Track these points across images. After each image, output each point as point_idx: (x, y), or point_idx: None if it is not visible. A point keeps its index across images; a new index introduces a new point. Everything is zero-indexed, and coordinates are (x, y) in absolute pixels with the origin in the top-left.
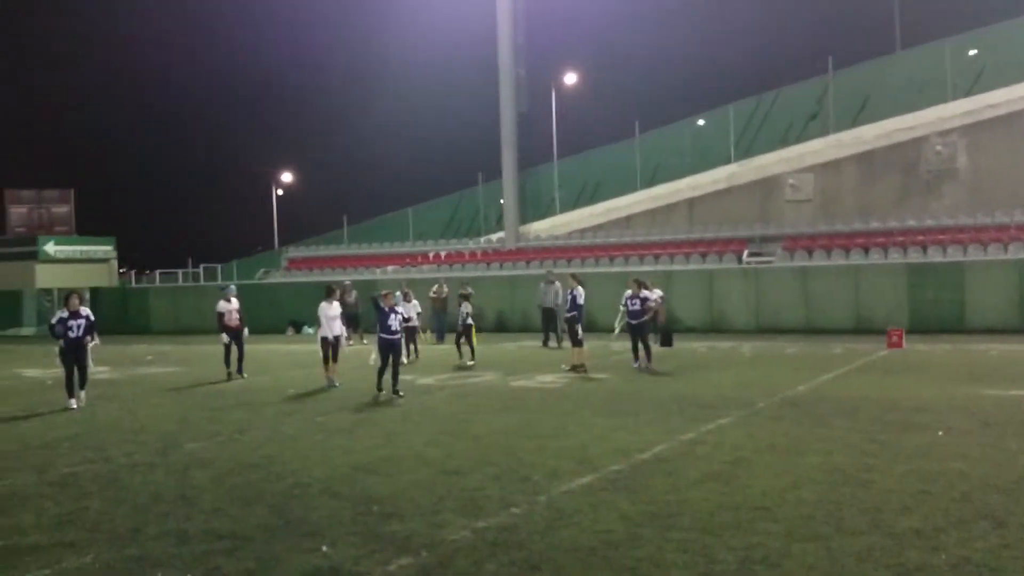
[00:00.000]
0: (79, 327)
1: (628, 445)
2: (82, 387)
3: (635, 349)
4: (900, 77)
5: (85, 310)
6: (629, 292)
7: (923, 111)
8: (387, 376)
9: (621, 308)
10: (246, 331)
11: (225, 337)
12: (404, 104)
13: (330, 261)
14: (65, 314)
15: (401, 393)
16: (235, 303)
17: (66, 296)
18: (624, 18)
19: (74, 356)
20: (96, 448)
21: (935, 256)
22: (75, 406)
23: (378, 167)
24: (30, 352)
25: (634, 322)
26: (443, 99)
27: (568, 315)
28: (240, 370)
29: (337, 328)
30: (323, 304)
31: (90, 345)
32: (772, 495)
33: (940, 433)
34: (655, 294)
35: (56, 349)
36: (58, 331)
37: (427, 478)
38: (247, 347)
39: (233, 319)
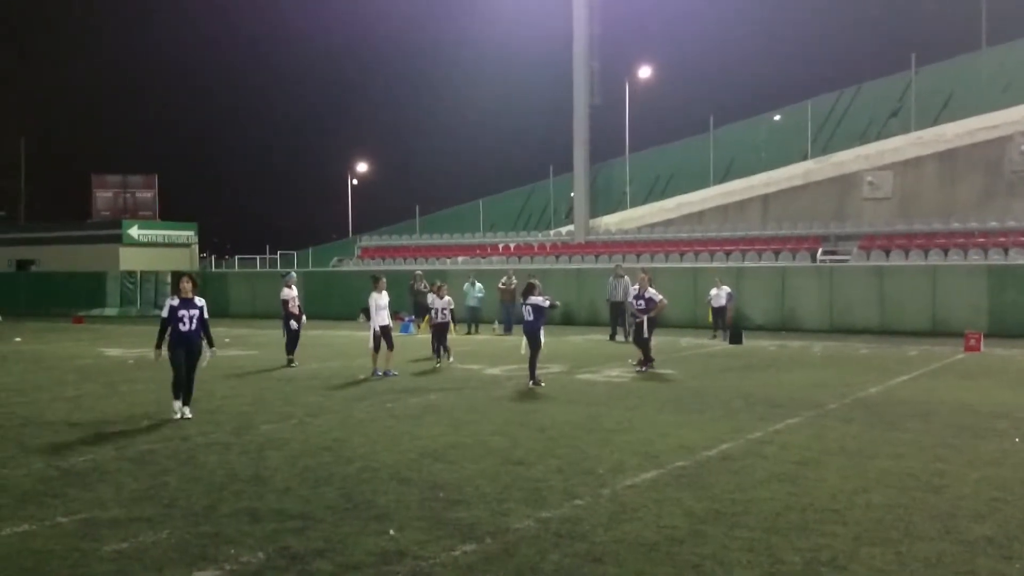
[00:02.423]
0: (192, 319)
1: (694, 442)
2: (187, 400)
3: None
4: (985, 74)
5: (200, 300)
6: (635, 289)
7: (1008, 109)
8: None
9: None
10: (303, 319)
11: (294, 324)
12: (478, 96)
13: (402, 251)
14: (175, 302)
15: (533, 383)
16: (295, 290)
17: (177, 279)
18: (700, 11)
19: (185, 353)
20: (174, 426)
21: (1017, 258)
22: (187, 414)
23: (451, 158)
24: (113, 332)
25: (636, 320)
26: (516, 92)
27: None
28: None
29: (384, 318)
30: (373, 294)
31: (207, 357)
32: (841, 497)
33: (1017, 440)
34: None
35: (163, 347)
36: (167, 324)
37: (492, 467)
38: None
39: (294, 305)
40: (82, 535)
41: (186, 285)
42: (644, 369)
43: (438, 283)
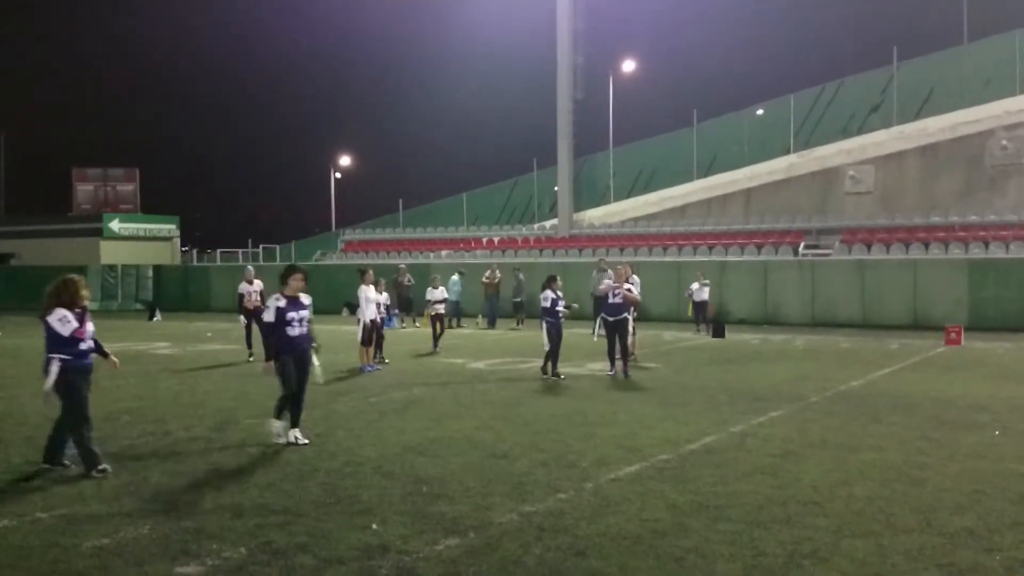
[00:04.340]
0: (302, 321)
1: (677, 435)
2: (296, 422)
3: (611, 354)
4: (966, 69)
5: (307, 297)
6: (609, 281)
7: (989, 104)
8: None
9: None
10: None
11: (243, 319)
12: (461, 90)
13: (385, 244)
14: (282, 302)
15: (563, 376)
16: (258, 284)
17: (283, 274)
18: (684, 6)
19: (295, 363)
20: (156, 421)
21: (997, 252)
22: (300, 439)
23: (434, 152)
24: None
25: (612, 319)
26: (500, 85)
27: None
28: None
29: (372, 312)
30: (363, 286)
31: (317, 366)
32: (822, 490)
33: (997, 433)
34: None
35: (267, 358)
36: (274, 330)
37: (476, 461)
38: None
39: (251, 301)
40: (62, 530)
41: (298, 283)
42: (628, 366)
43: (369, 272)
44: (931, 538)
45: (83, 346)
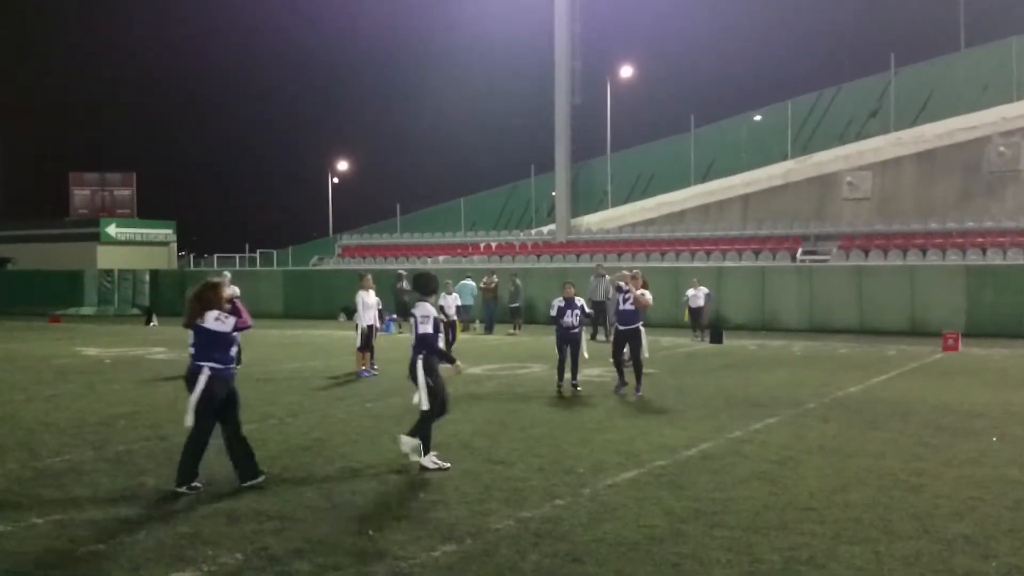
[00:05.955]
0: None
1: (674, 441)
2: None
3: (619, 366)
4: (963, 75)
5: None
6: (621, 284)
7: (986, 111)
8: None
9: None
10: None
11: None
12: (459, 95)
13: (382, 250)
14: (435, 312)
15: (579, 387)
16: (233, 291)
17: (425, 283)
18: (682, 11)
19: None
20: (152, 426)
21: (995, 259)
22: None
23: (432, 157)
24: (90, 331)
25: (623, 328)
26: (498, 90)
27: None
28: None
29: (370, 318)
30: (361, 291)
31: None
32: (819, 496)
33: (994, 439)
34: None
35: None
36: (436, 340)
37: (473, 467)
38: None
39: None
40: (57, 536)
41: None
42: (641, 385)
43: (367, 277)
44: (928, 544)
45: (232, 351)
